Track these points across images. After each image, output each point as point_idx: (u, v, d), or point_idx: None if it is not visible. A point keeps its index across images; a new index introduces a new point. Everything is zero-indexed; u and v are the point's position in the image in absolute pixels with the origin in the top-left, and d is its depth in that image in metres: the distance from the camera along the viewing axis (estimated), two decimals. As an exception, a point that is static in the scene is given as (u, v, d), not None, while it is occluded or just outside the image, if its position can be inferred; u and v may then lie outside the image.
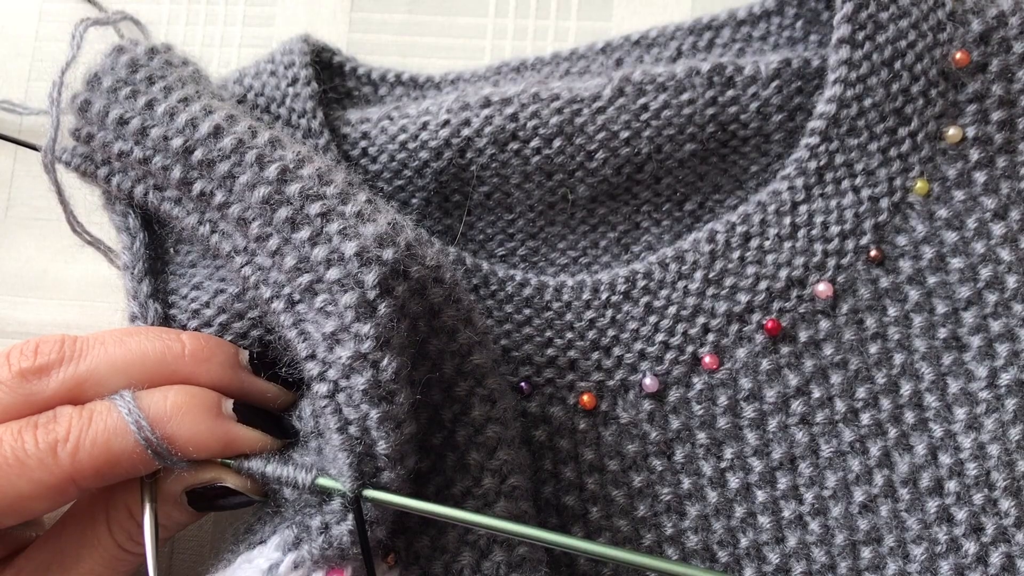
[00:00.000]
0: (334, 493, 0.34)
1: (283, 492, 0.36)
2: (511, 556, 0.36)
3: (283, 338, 0.36)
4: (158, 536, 0.35)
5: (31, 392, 0.35)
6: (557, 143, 0.44)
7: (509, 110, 0.44)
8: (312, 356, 0.34)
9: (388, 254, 0.34)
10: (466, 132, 0.44)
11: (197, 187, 0.36)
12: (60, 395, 0.35)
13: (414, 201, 0.46)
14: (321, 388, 0.34)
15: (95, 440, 0.34)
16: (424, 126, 0.45)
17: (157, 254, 0.41)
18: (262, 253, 0.36)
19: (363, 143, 0.45)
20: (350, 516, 0.34)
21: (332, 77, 0.48)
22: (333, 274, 0.34)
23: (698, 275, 0.42)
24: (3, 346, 0.37)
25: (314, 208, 0.34)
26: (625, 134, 0.44)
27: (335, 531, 0.34)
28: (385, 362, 0.33)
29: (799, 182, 0.43)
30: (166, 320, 0.40)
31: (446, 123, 0.44)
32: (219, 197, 0.36)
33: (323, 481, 0.34)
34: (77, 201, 0.42)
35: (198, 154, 0.36)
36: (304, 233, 0.34)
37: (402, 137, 0.45)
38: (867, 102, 0.43)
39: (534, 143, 0.44)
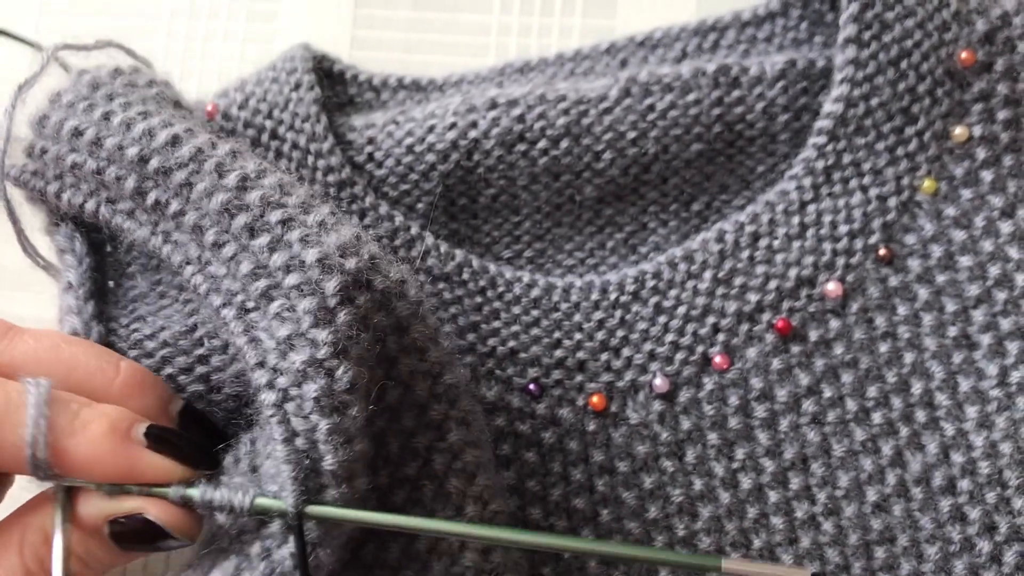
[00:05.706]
0: (273, 513, 0.32)
1: (217, 519, 0.33)
2: (486, 563, 0.35)
3: (231, 354, 0.35)
4: (69, 564, 0.32)
5: None
6: (564, 144, 0.44)
7: (515, 111, 0.44)
8: (261, 364, 0.33)
9: (351, 263, 0.33)
10: (473, 134, 0.44)
11: (151, 197, 0.35)
12: None
13: (419, 206, 0.45)
14: (269, 396, 0.32)
15: None
16: (430, 129, 0.44)
17: (101, 285, 0.40)
18: (216, 261, 0.34)
19: (369, 148, 0.45)
20: (291, 538, 0.32)
21: (333, 85, 0.47)
22: (292, 279, 0.32)
23: (707, 275, 0.42)
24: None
25: (274, 216, 0.33)
26: (631, 134, 0.44)
27: (276, 556, 0.32)
28: (340, 371, 0.31)
29: (807, 181, 0.43)
30: (107, 346, 0.38)
31: (452, 126, 0.44)
32: (174, 206, 0.35)
33: (262, 500, 0.32)
34: (30, 223, 0.40)
35: (154, 163, 0.35)
36: (263, 240, 0.33)
37: (408, 141, 0.44)
38: (874, 101, 0.43)
39: (541, 144, 0.44)
